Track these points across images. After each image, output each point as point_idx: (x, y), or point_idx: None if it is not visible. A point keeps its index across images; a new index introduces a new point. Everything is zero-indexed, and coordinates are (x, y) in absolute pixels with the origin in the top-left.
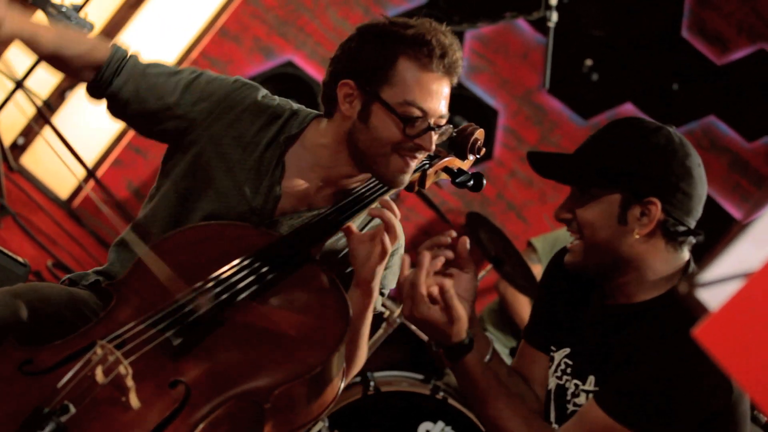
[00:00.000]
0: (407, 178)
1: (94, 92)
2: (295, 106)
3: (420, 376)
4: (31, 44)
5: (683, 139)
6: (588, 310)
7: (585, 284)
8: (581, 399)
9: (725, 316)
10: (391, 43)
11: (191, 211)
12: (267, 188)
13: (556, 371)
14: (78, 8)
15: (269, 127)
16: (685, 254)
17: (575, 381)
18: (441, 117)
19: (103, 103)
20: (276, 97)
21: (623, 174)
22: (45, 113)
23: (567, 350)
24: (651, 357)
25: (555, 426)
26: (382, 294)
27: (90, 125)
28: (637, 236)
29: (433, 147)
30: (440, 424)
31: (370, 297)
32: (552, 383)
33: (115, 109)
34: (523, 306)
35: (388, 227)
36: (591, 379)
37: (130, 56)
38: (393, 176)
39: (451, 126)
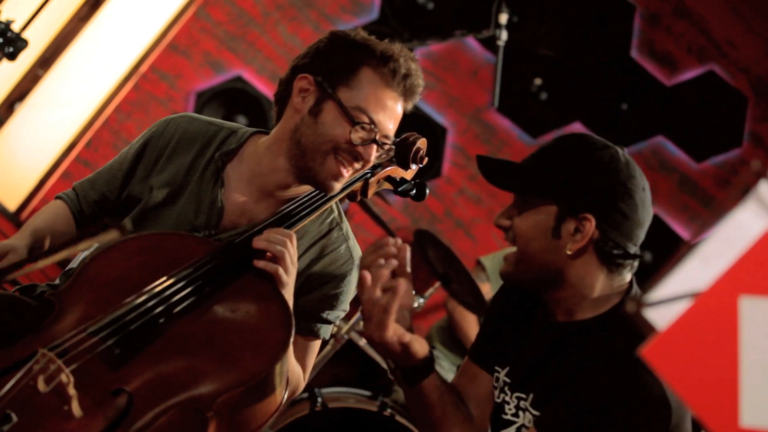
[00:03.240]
0: (338, 186)
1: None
2: (233, 125)
3: (368, 393)
4: None
5: (631, 161)
6: (531, 327)
7: (532, 304)
8: (529, 416)
9: (673, 335)
10: (360, 51)
11: None
12: (208, 205)
13: (498, 391)
14: (9, 23)
15: (206, 149)
16: (626, 276)
17: (516, 394)
18: (386, 136)
19: (50, 115)
20: (202, 117)
21: (560, 186)
22: None
23: (508, 368)
24: (588, 378)
25: None
26: (329, 321)
27: (39, 138)
28: (569, 252)
29: (372, 161)
30: None
31: None
32: (494, 401)
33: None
34: (470, 325)
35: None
36: (531, 396)
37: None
38: (325, 178)
39: (394, 148)
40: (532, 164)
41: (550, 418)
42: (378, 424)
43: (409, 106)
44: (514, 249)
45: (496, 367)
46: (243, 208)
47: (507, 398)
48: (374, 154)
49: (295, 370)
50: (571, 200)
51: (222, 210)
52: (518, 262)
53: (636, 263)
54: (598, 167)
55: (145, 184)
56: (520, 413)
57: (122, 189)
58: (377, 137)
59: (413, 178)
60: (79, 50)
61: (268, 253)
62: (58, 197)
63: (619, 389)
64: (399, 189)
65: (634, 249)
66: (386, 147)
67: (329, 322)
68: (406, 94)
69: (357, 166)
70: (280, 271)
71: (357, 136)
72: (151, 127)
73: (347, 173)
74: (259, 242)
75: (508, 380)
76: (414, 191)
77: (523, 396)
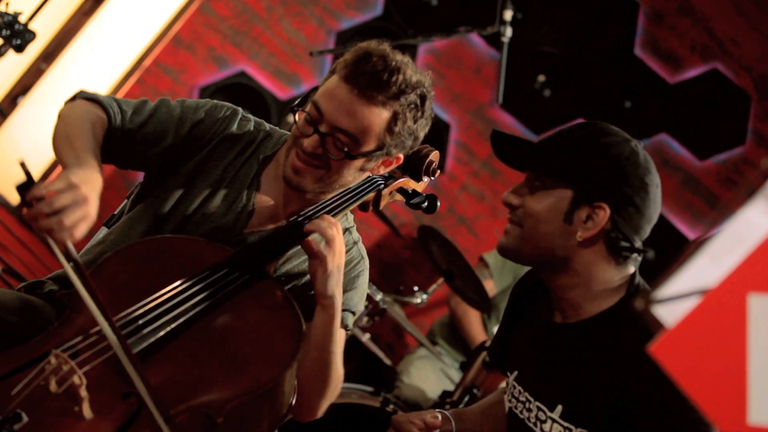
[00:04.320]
0: (296, 179)
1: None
2: (268, 127)
3: (370, 389)
4: None
5: (649, 157)
6: (535, 329)
7: (535, 306)
8: (549, 426)
9: (681, 332)
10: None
11: (167, 225)
12: (241, 206)
13: (508, 395)
14: (17, 15)
15: (245, 150)
16: (630, 268)
17: (537, 404)
18: (338, 130)
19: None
20: (251, 117)
21: (579, 171)
22: None
23: (516, 373)
24: (632, 386)
25: None
26: (352, 313)
27: (42, 131)
28: (579, 239)
29: (311, 148)
30: None
31: (330, 311)
32: (507, 408)
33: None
34: (472, 322)
35: (312, 245)
36: (559, 408)
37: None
38: (285, 169)
39: (364, 159)
40: (552, 145)
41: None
42: (380, 420)
43: (376, 108)
44: None
45: (507, 372)
46: (272, 211)
47: (529, 406)
48: (315, 144)
49: (340, 367)
50: (588, 187)
51: (252, 212)
52: (522, 240)
53: (640, 258)
54: (618, 159)
55: (178, 155)
56: (540, 423)
57: (161, 149)
58: (321, 128)
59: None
60: (82, 44)
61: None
62: (97, 101)
63: (664, 388)
64: (411, 201)
65: (639, 243)
66: (338, 138)
67: (353, 313)
68: (362, 89)
69: (312, 161)
70: (330, 255)
71: (300, 122)
72: (208, 103)
73: (301, 164)
74: (311, 225)
75: (519, 386)
76: (426, 204)
77: (545, 407)
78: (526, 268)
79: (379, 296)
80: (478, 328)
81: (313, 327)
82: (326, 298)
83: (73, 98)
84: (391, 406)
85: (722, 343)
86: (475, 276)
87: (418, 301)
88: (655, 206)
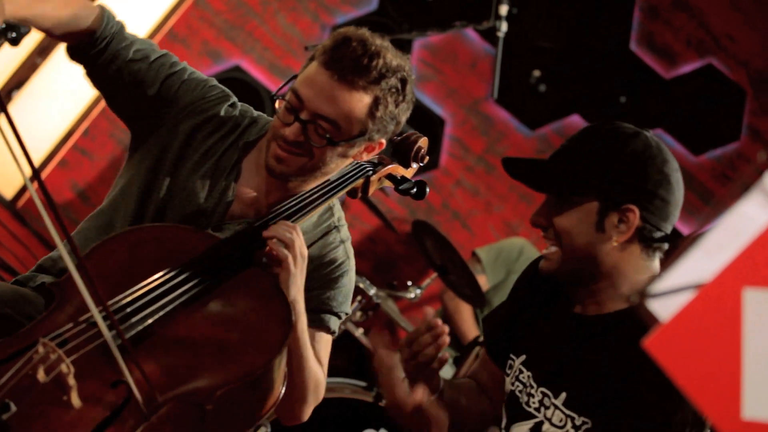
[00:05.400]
0: (279, 168)
1: (76, 54)
2: (256, 113)
3: (363, 383)
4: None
5: (661, 144)
6: (552, 317)
7: (550, 292)
8: (551, 412)
9: (676, 327)
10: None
11: (149, 206)
12: (220, 192)
13: (512, 378)
14: None
15: (229, 135)
16: (657, 263)
17: (542, 389)
18: (319, 117)
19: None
20: (239, 104)
21: (600, 181)
22: None
23: (524, 357)
24: (643, 381)
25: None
26: (338, 316)
27: (36, 126)
28: (615, 243)
29: (293, 137)
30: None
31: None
32: (508, 389)
33: (96, 75)
34: (464, 318)
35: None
36: (563, 395)
37: (118, 30)
38: (267, 160)
39: (347, 145)
40: (565, 162)
41: (611, 424)
42: (373, 414)
43: (356, 92)
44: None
45: (511, 354)
46: (253, 199)
47: (531, 391)
48: (296, 132)
49: (314, 369)
50: (612, 194)
51: (231, 201)
52: (564, 260)
53: (667, 245)
54: (634, 157)
55: (174, 122)
56: (543, 409)
57: (144, 96)
58: (302, 116)
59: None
60: None
61: (273, 243)
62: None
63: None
64: (400, 187)
65: (671, 228)
66: (319, 125)
67: (337, 316)
68: (342, 73)
69: (294, 149)
70: (290, 258)
71: (280, 111)
72: (208, 78)
73: (283, 154)
74: (267, 232)
75: (527, 370)
76: (414, 190)
77: (550, 393)
78: (520, 264)
79: (372, 291)
80: (470, 323)
81: None
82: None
83: None
84: (384, 401)
85: (717, 338)
86: (469, 271)
87: (412, 296)
88: (679, 190)
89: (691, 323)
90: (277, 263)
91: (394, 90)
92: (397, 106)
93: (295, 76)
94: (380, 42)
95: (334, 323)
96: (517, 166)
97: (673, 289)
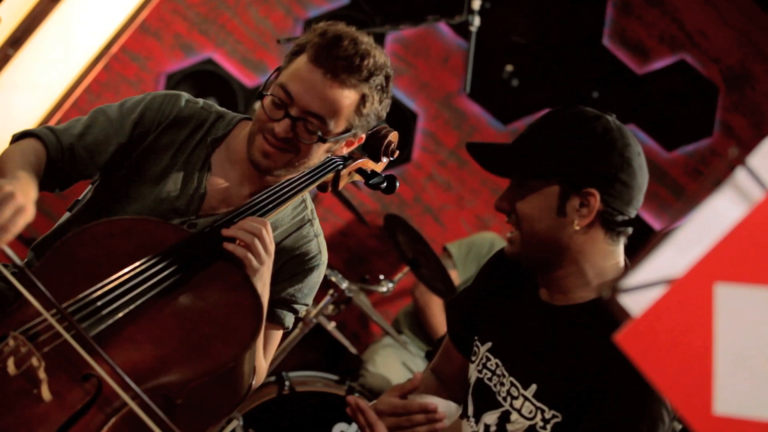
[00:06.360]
0: (266, 163)
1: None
2: (220, 109)
3: (335, 377)
4: None
5: (623, 127)
6: (518, 303)
7: (515, 277)
8: (520, 403)
9: (647, 322)
10: (308, 39)
11: (123, 209)
12: (193, 189)
13: (477, 365)
14: None
15: (196, 132)
16: (621, 248)
17: (511, 379)
18: (310, 113)
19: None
20: (199, 99)
21: (561, 165)
22: None
23: (489, 344)
24: (614, 378)
25: (471, 420)
26: (295, 311)
27: (8, 118)
28: (577, 227)
29: (284, 133)
30: (354, 426)
31: None
32: (473, 377)
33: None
34: (435, 313)
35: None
36: (533, 387)
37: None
38: (253, 154)
39: (334, 140)
40: (527, 146)
41: (582, 419)
42: (345, 408)
43: (347, 90)
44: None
45: (476, 341)
46: (225, 194)
47: (502, 380)
48: (287, 129)
49: (260, 361)
50: (573, 178)
51: (204, 195)
52: (525, 244)
53: (630, 230)
54: (595, 141)
55: (128, 154)
56: (510, 399)
57: (110, 155)
58: (292, 112)
59: (384, 170)
60: (49, 30)
61: (239, 241)
62: (29, 135)
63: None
64: (370, 181)
65: (634, 213)
66: (310, 122)
67: (294, 312)
68: (333, 70)
69: (282, 145)
70: (249, 256)
71: (267, 105)
72: (145, 97)
73: (270, 149)
74: (228, 231)
75: (494, 358)
76: (384, 184)
77: (519, 384)
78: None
79: (344, 285)
80: (441, 318)
81: None
82: None
83: (10, 143)
84: (356, 395)
85: (688, 333)
86: (441, 265)
87: (384, 289)
88: (642, 174)
89: (662, 318)
90: (241, 261)
91: (379, 87)
92: (381, 102)
93: (278, 69)
94: (368, 40)
95: (290, 320)
96: (480, 150)
97: (644, 284)
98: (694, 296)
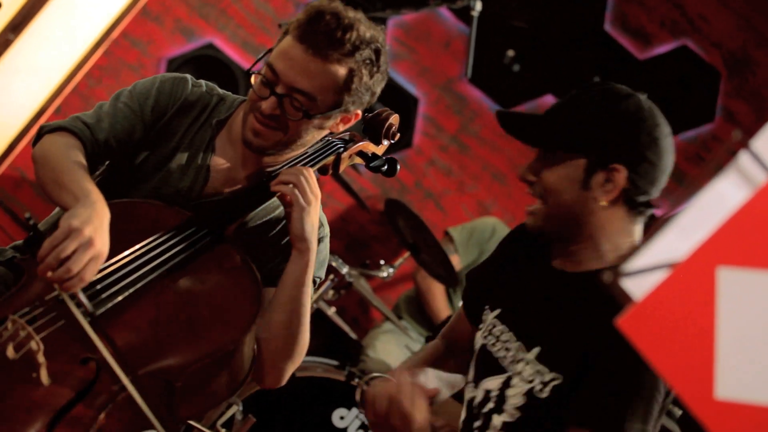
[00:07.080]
0: (257, 141)
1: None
2: (222, 92)
3: (335, 363)
4: None
5: (654, 107)
6: (530, 271)
7: (532, 253)
8: (521, 366)
9: (649, 306)
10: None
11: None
12: (195, 170)
13: (484, 332)
14: None
15: (200, 116)
16: (639, 228)
17: (517, 344)
18: (295, 90)
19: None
20: (201, 82)
21: (590, 139)
22: None
23: (498, 311)
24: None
25: (470, 385)
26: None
27: (8, 103)
28: (600, 203)
29: (269, 110)
30: (354, 411)
31: (305, 256)
32: (478, 344)
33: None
34: (436, 297)
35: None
36: (536, 350)
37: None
38: (245, 134)
39: (322, 117)
40: (558, 118)
41: (582, 381)
42: (345, 393)
43: (333, 65)
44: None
45: (486, 308)
46: (227, 174)
47: (505, 345)
48: (273, 106)
49: (303, 331)
50: (601, 153)
51: (208, 176)
52: (548, 216)
53: (651, 211)
54: (625, 118)
55: (147, 139)
56: (514, 364)
57: (135, 142)
58: (278, 90)
59: (384, 153)
60: (50, 15)
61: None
62: (62, 129)
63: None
64: (370, 164)
65: (657, 194)
66: (295, 99)
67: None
68: (316, 46)
69: (270, 122)
70: (297, 192)
71: (256, 85)
72: (155, 81)
73: (260, 127)
74: (275, 185)
75: (501, 324)
76: (385, 167)
77: (524, 346)
78: (492, 243)
79: (345, 270)
80: (442, 303)
81: (286, 276)
82: (302, 242)
83: (38, 136)
84: (356, 380)
85: (690, 317)
86: (441, 250)
87: (385, 274)
88: (668, 155)
89: (664, 302)
90: (289, 204)
91: (368, 62)
92: (371, 77)
93: (270, 50)
94: (353, 14)
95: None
96: (510, 119)
97: (647, 268)
98: (697, 280)
